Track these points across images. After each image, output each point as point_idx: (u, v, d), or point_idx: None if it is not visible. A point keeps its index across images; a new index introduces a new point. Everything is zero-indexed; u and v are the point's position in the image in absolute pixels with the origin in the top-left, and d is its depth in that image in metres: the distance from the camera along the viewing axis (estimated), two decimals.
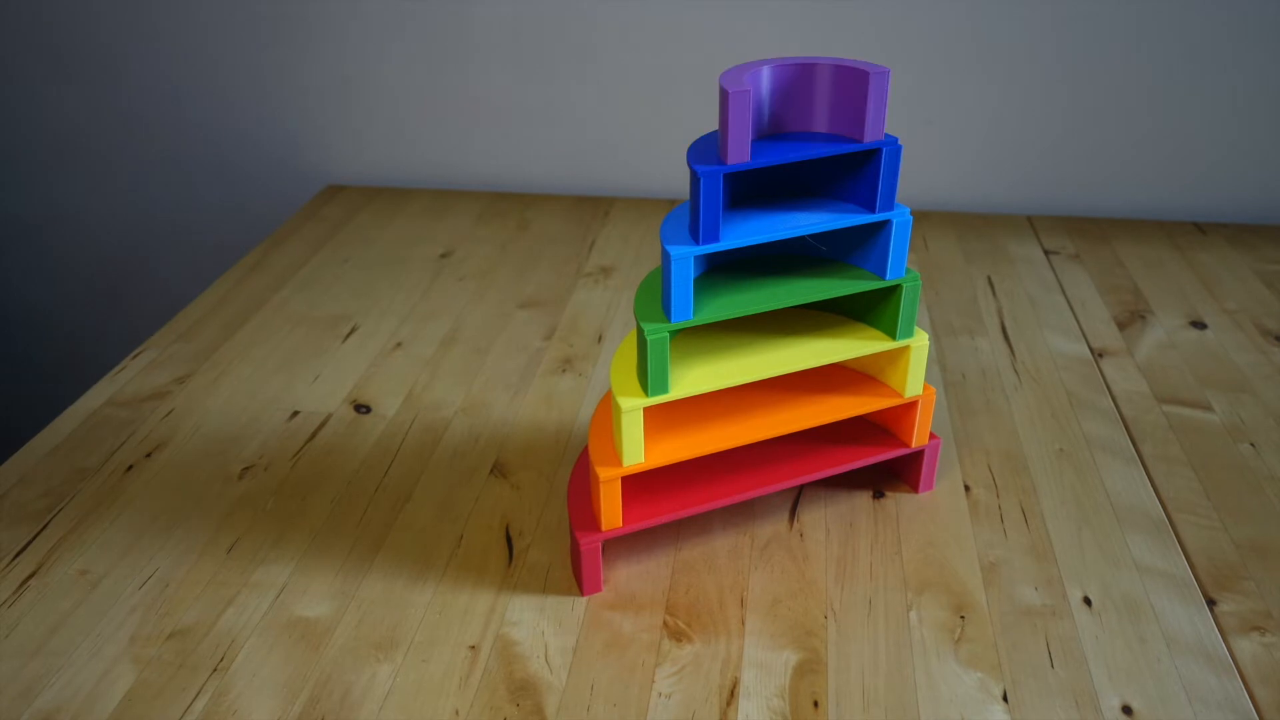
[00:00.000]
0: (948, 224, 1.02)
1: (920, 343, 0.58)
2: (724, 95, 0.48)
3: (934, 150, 1.04)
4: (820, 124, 0.54)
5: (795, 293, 0.55)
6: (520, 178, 1.12)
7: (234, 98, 1.12)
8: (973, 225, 1.02)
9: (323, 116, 1.12)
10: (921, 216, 1.04)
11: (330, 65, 1.09)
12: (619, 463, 0.55)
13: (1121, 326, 0.84)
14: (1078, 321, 0.84)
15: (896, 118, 1.03)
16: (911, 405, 0.61)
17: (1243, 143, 1.00)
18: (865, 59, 1.00)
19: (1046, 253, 0.96)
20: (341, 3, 1.05)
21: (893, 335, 0.58)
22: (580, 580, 0.57)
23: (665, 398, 0.54)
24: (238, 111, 1.13)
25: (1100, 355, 0.80)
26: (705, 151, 0.52)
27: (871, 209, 0.54)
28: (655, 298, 0.55)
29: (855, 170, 0.55)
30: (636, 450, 0.55)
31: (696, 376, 0.55)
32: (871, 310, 0.59)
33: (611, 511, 0.55)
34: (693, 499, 0.58)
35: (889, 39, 0.99)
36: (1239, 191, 1.02)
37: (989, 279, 0.91)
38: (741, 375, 0.55)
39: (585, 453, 0.61)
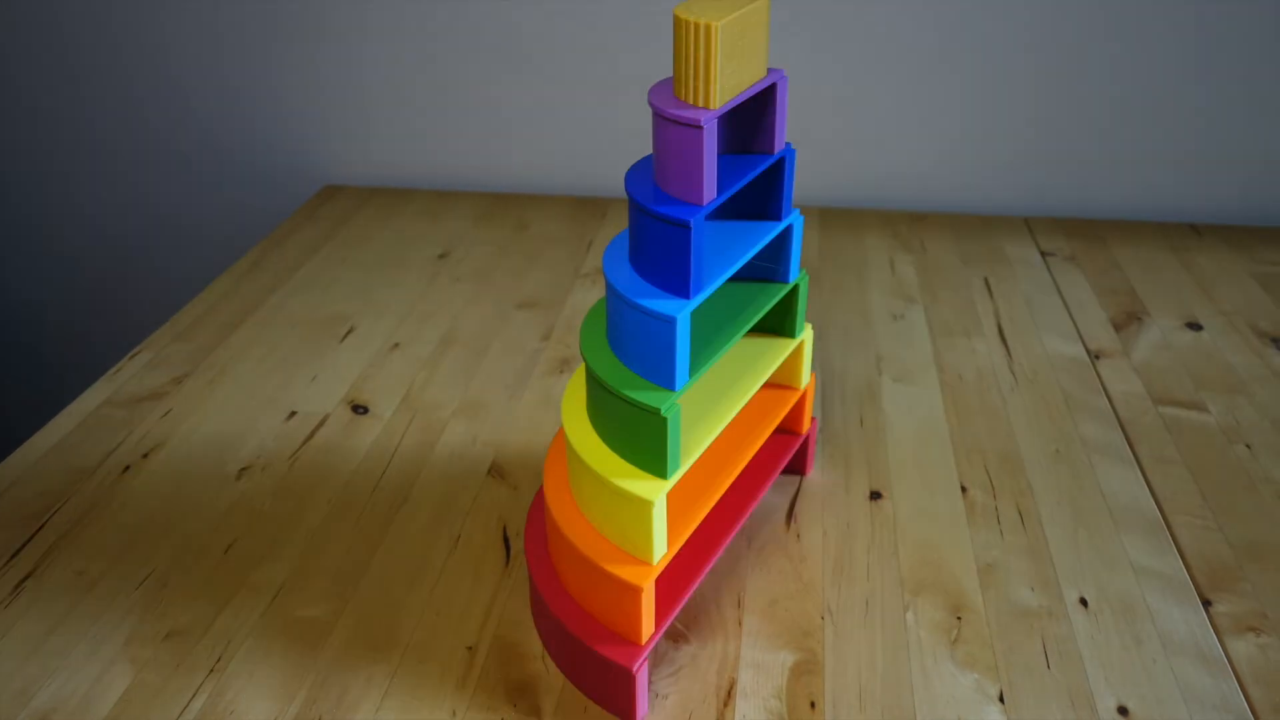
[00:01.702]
0: (944, 226, 1.03)
1: (809, 333, 0.60)
2: (688, 130, 0.43)
3: (931, 152, 1.04)
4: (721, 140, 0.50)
5: (742, 319, 0.53)
6: (518, 178, 1.12)
7: (232, 98, 1.12)
8: (969, 227, 1.02)
9: (321, 117, 1.12)
10: (918, 219, 1.04)
11: (329, 66, 1.09)
12: (641, 560, 0.48)
13: (1118, 328, 0.84)
14: (1074, 323, 0.85)
15: (897, 118, 1.03)
16: (803, 394, 0.62)
17: (1239, 145, 1.00)
18: (861, 60, 1.00)
19: (1043, 254, 0.97)
20: (340, 3, 1.05)
21: (794, 334, 0.59)
22: (623, 710, 0.49)
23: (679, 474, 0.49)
24: (236, 112, 1.13)
25: (1096, 357, 0.80)
26: (650, 188, 0.46)
27: (779, 217, 0.53)
28: (605, 354, 0.49)
29: (757, 180, 0.52)
30: (662, 541, 0.48)
31: (687, 440, 0.51)
32: (771, 314, 0.59)
33: (649, 618, 0.48)
34: (682, 568, 0.54)
35: (886, 39, 0.99)
36: (1235, 193, 1.02)
37: (986, 280, 0.92)
38: (717, 420, 0.52)
39: (545, 531, 0.54)
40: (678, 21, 0.43)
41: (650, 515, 0.47)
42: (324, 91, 1.10)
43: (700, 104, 0.44)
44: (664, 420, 0.46)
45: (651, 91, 0.45)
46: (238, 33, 1.08)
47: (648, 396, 0.46)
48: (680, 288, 0.46)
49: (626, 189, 0.46)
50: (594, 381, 0.48)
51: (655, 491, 0.47)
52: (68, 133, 1.17)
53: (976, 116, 1.02)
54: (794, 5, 0.99)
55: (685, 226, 0.44)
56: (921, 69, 1.00)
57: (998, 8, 0.96)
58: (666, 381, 0.47)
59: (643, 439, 0.47)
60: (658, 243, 0.45)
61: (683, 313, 0.45)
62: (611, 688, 0.49)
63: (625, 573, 0.47)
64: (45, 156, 1.20)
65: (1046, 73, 0.99)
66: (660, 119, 0.44)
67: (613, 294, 0.47)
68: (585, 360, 0.49)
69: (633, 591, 0.47)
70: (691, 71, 0.43)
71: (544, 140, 1.09)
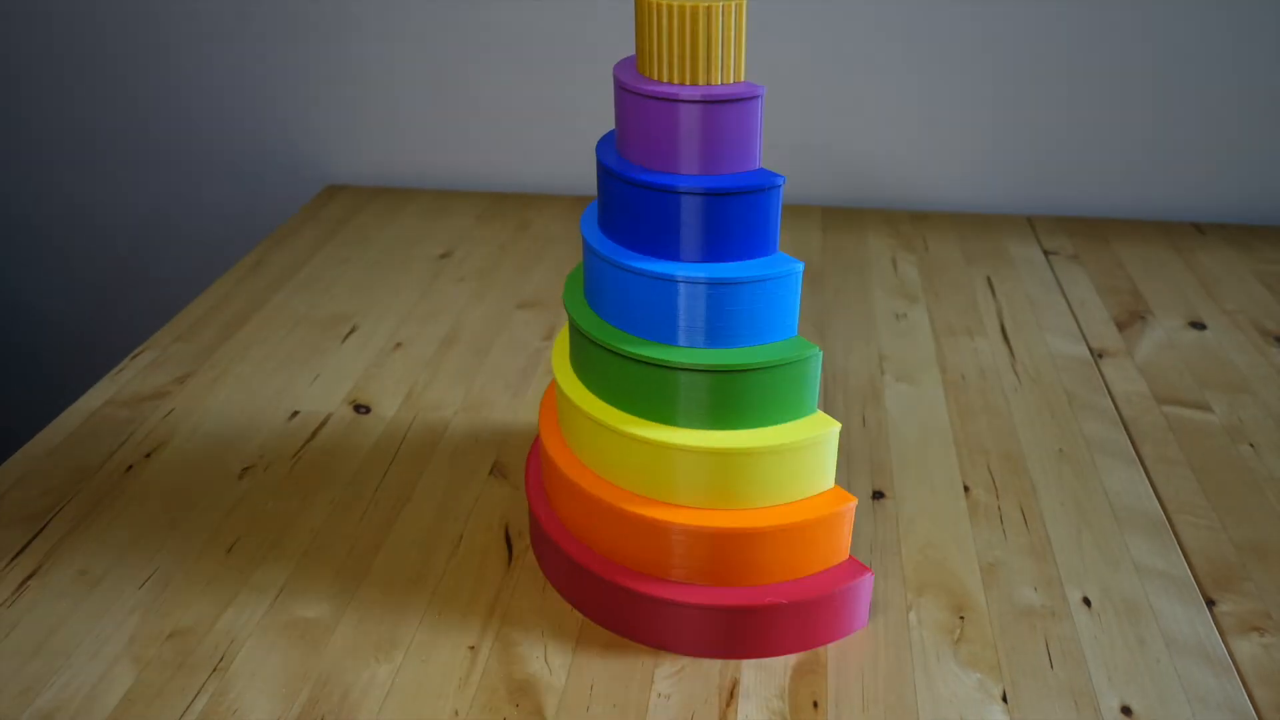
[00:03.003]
0: (947, 224, 1.02)
1: None
2: (748, 104, 0.47)
3: (934, 151, 1.04)
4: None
5: None
6: (520, 178, 1.12)
7: (234, 98, 1.12)
8: (972, 225, 1.02)
9: (322, 117, 1.12)
10: (921, 217, 1.04)
11: (331, 65, 1.09)
12: (820, 490, 0.53)
13: (1121, 327, 0.84)
14: (1077, 322, 0.84)
15: (898, 118, 1.03)
16: None
17: (1243, 144, 1.00)
18: (864, 57, 1.00)
19: (1046, 253, 0.96)
20: (342, 3, 1.05)
21: None
22: (852, 621, 0.53)
23: None
24: (237, 111, 1.13)
25: (1100, 356, 0.80)
26: (613, 157, 0.50)
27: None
28: (595, 320, 0.52)
29: None
30: None
31: None
32: None
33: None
34: None
35: (888, 38, 0.99)
36: (1238, 192, 1.02)
37: (989, 279, 0.91)
38: None
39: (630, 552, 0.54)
40: (684, 10, 0.45)
41: (836, 440, 0.51)
42: (326, 91, 1.10)
43: (725, 80, 0.47)
44: (818, 355, 0.50)
45: (639, 86, 0.47)
46: (239, 32, 1.08)
47: (788, 351, 0.50)
48: (765, 246, 0.49)
49: (678, 185, 0.48)
50: (699, 375, 0.50)
51: (828, 421, 0.51)
52: (70, 133, 1.18)
53: (979, 115, 1.02)
54: (794, 4, 0.99)
55: (778, 188, 0.48)
56: (925, 68, 1.00)
57: (1001, 6, 0.96)
58: (785, 331, 0.51)
59: (784, 391, 0.51)
60: (736, 215, 0.48)
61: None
62: (842, 610, 0.52)
63: (830, 504, 0.52)
64: (46, 157, 1.20)
65: (1050, 71, 0.99)
66: (707, 104, 0.46)
67: (713, 285, 0.49)
68: (685, 366, 0.49)
69: (848, 513, 0.52)
70: (716, 50, 0.46)
71: (545, 140, 1.09)
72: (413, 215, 1.06)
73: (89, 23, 1.11)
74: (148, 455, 0.69)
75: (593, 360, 0.53)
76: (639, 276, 0.49)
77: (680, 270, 0.49)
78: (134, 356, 0.80)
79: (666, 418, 0.51)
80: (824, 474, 0.52)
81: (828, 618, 0.52)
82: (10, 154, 1.20)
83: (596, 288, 0.52)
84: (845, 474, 0.66)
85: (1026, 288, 0.90)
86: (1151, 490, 0.65)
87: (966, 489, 0.65)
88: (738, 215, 0.48)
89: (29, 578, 0.58)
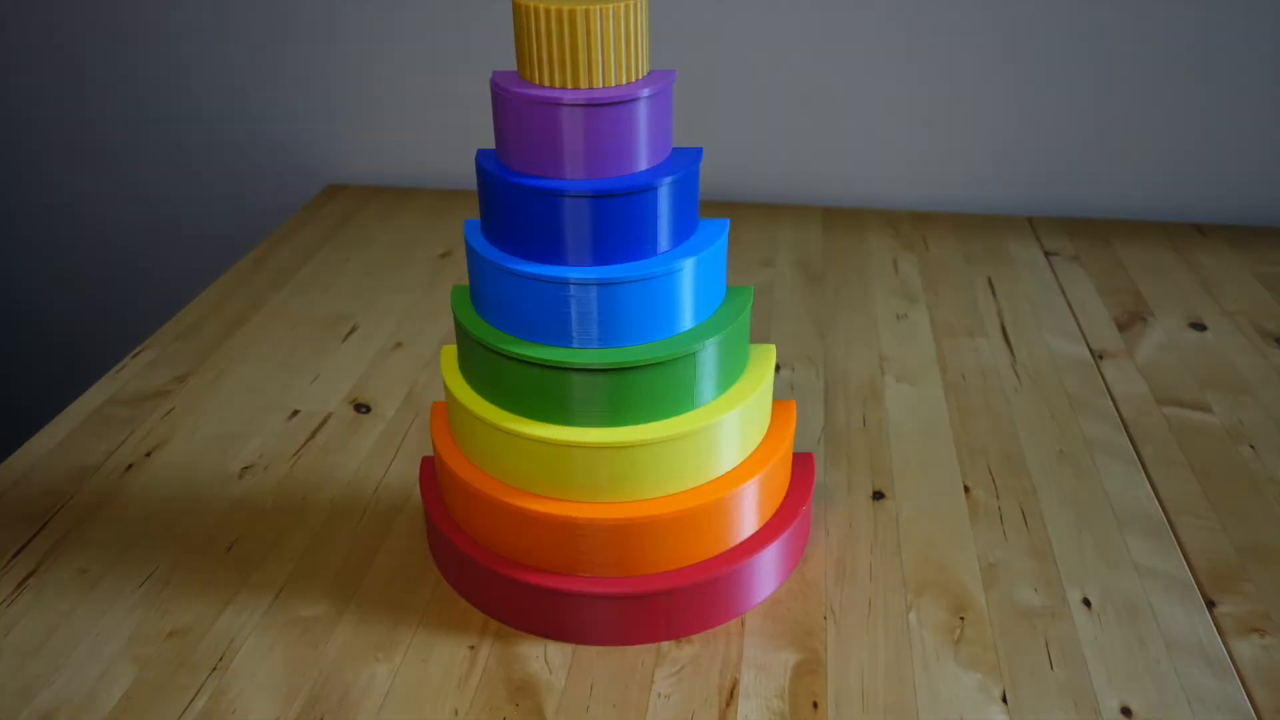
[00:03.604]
0: (947, 225, 1.02)
1: None
2: (622, 105, 0.47)
3: (934, 151, 1.04)
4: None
5: None
6: None
7: (234, 97, 1.12)
8: (973, 226, 1.02)
9: (323, 116, 1.12)
10: (921, 218, 1.04)
11: (332, 64, 1.09)
12: (777, 440, 0.57)
13: (1121, 328, 0.84)
14: (1078, 323, 0.84)
15: (898, 118, 1.03)
16: None
17: (1243, 144, 1.00)
18: (865, 58, 1.00)
19: (1046, 254, 0.96)
20: (344, 2, 1.05)
21: None
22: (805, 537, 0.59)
23: None
24: (239, 110, 1.13)
25: (1100, 357, 0.80)
26: (494, 163, 0.51)
27: None
28: (487, 328, 0.53)
29: None
30: None
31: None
32: None
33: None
34: None
35: (889, 37, 0.99)
36: (1239, 193, 1.02)
37: (989, 280, 0.91)
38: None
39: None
40: (561, 13, 0.45)
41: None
42: (327, 90, 1.10)
43: (631, 79, 0.47)
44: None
45: (521, 92, 0.47)
46: (240, 31, 1.08)
47: (729, 311, 0.53)
48: (651, 245, 0.50)
49: (563, 190, 0.48)
50: (595, 375, 0.50)
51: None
52: (69, 131, 1.18)
53: (979, 115, 1.02)
54: (794, 4, 0.99)
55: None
56: (924, 67, 1.00)
57: (1000, 6, 0.96)
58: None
59: (731, 353, 0.53)
60: (620, 217, 0.49)
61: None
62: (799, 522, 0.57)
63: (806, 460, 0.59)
64: (46, 155, 1.20)
65: (1050, 71, 0.99)
66: (588, 108, 0.47)
67: (603, 286, 0.49)
68: (581, 367, 0.50)
69: (804, 461, 0.60)
70: (597, 53, 0.46)
71: None
72: (413, 214, 1.06)
73: (89, 23, 1.11)
74: (148, 454, 0.69)
75: (488, 367, 0.52)
76: (530, 281, 0.49)
77: (571, 273, 0.49)
78: (134, 355, 0.80)
79: (563, 418, 0.51)
80: (788, 425, 0.57)
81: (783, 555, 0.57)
82: (11, 153, 1.20)
83: (487, 294, 0.52)
84: (846, 474, 0.66)
85: (1027, 288, 0.90)
86: (1152, 491, 0.65)
87: (967, 489, 0.65)
88: (621, 217, 0.49)
89: (28, 576, 0.58)
